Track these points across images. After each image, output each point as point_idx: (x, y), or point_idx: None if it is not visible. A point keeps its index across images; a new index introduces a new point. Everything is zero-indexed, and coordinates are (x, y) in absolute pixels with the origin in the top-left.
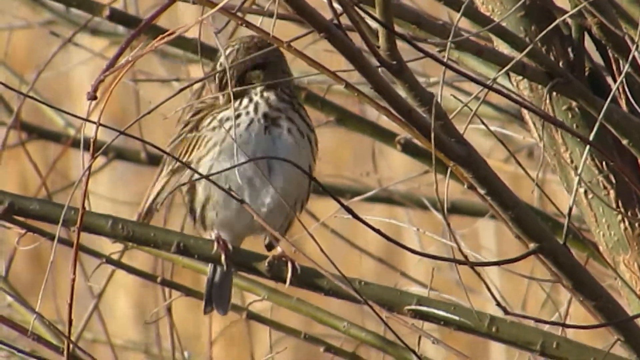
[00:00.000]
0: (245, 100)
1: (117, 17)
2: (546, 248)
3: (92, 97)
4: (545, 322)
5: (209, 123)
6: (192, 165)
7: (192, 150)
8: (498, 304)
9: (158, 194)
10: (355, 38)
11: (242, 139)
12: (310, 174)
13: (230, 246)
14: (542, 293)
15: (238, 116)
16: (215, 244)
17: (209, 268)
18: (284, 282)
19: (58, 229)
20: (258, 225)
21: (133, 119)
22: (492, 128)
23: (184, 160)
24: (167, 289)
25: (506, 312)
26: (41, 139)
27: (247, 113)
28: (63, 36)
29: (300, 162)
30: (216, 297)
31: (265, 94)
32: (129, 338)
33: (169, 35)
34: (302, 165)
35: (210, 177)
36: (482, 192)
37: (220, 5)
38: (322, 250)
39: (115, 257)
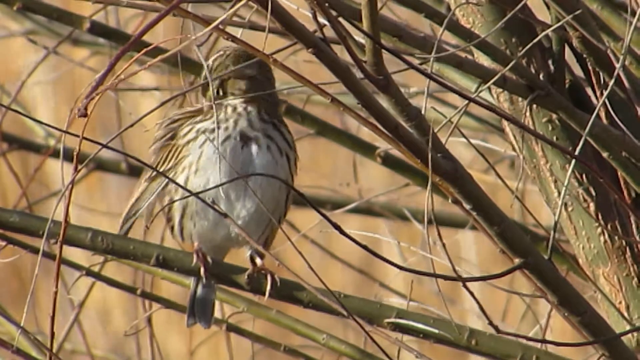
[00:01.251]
0: (229, 110)
1: (98, 29)
2: (531, 263)
3: (83, 114)
4: (533, 340)
5: (187, 133)
6: (172, 175)
7: (170, 159)
8: (490, 323)
9: (136, 200)
10: (339, 50)
11: (218, 154)
12: (289, 190)
13: (209, 259)
14: (522, 304)
15: (216, 129)
16: (195, 257)
17: (191, 281)
18: (264, 294)
19: (42, 242)
20: (237, 237)
21: (113, 127)
22: (473, 141)
23: (166, 169)
24: (144, 302)
25: (498, 331)
26: (22, 150)
27: (226, 128)
28: (43, 45)
29: (277, 182)
30: (199, 310)
31: (248, 107)
32: (122, 349)
33: (151, 47)
34: (279, 183)
35: (189, 188)
36: (467, 207)
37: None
38: (307, 262)
39: (97, 268)
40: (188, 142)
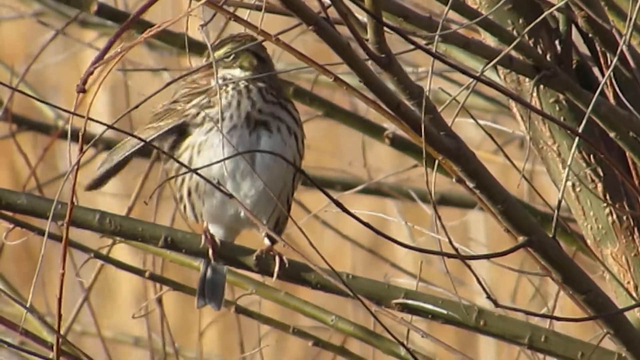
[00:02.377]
0: (230, 88)
1: (105, 12)
2: (535, 242)
3: (81, 89)
4: (534, 315)
5: (194, 114)
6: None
7: (170, 122)
8: (488, 297)
9: (115, 149)
10: (344, 31)
11: (226, 136)
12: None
13: (218, 240)
14: (532, 286)
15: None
16: (203, 238)
17: (200, 263)
18: (272, 276)
19: (48, 224)
20: (245, 217)
21: (123, 109)
22: (482, 121)
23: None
24: (154, 284)
25: (496, 304)
26: (31, 131)
27: (231, 116)
28: (52, 27)
29: (287, 156)
30: (209, 292)
31: (251, 86)
32: (130, 330)
33: (155, 28)
34: (287, 164)
35: (195, 169)
36: (471, 185)
37: None
38: (312, 244)
39: (106, 251)
40: (195, 124)
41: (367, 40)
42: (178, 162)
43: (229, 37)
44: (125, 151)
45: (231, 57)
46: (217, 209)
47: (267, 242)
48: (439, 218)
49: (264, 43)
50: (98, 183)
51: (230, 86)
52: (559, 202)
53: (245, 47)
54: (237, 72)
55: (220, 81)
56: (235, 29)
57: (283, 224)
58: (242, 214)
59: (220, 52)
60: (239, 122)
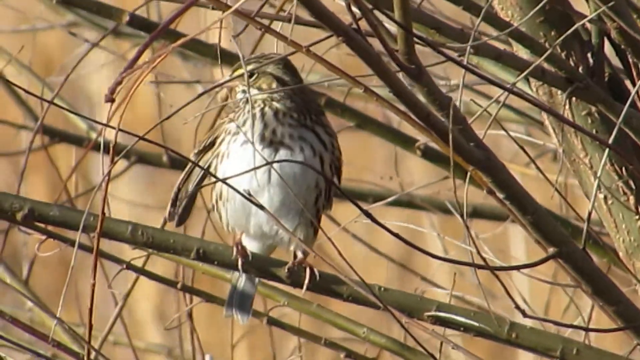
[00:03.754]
0: (248, 109)
1: (137, 22)
2: (565, 253)
3: (110, 99)
4: (563, 325)
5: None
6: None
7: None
8: (517, 307)
9: (184, 181)
10: (374, 43)
11: (243, 156)
12: (326, 187)
13: (249, 252)
14: (566, 298)
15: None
16: (235, 250)
17: (231, 275)
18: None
19: (78, 235)
20: (270, 231)
21: (155, 121)
22: (514, 133)
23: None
24: (186, 295)
25: (524, 314)
26: (64, 142)
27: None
28: (82, 37)
29: (306, 179)
30: (238, 303)
31: (266, 108)
32: (149, 342)
33: (187, 39)
34: (307, 183)
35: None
36: (501, 196)
37: (235, 6)
38: (342, 256)
39: (138, 262)
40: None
41: (397, 51)
42: (210, 173)
43: (255, 57)
44: (193, 181)
45: (253, 77)
46: (240, 218)
47: (299, 254)
48: (468, 229)
49: (295, 64)
50: (183, 219)
51: (248, 106)
52: (589, 213)
53: (269, 61)
54: (254, 93)
55: (240, 95)
56: (268, 40)
57: (312, 238)
58: (264, 225)
59: (241, 71)
60: (254, 138)
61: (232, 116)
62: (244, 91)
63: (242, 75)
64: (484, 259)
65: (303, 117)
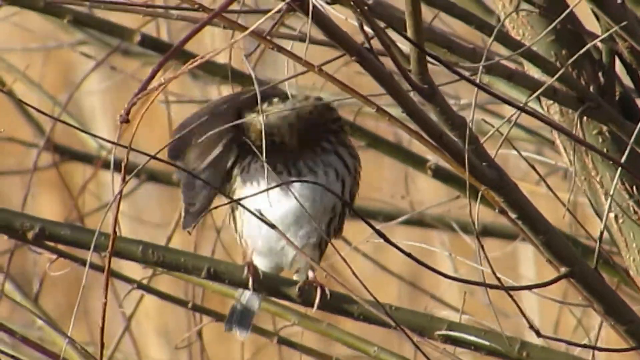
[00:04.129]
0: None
1: (148, 42)
2: (577, 272)
3: (125, 120)
4: (576, 345)
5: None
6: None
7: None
8: (531, 327)
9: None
10: (386, 62)
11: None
12: (339, 210)
13: (260, 272)
14: (574, 318)
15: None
16: (246, 269)
17: (239, 291)
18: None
19: (89, 255)
20: (279, 245)
21: (166, 139)
22: (525, 152)
23: None
24: (195, 314)
25: (539, 334)
26: (73, 161)
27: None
28: (93, 57)
29: (323, 202)
30: (237, 320)
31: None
32: None
33: (199, 59)
34: (324, 205)
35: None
36: (513, 216)
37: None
38: (355, 275)
39: (145, 281)
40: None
41: (409, 70)
42: (223, 194)
43: (282, 97)
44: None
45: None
46: (254, 235)
47: (310, 274)
48: (482, 248)
49: (305, 82)
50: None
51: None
52: (601, 233)
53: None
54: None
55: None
56: (271, 55)
57: (319, 259)
58: (273, 243)
59: (259, 104)
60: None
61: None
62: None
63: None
64: (498, 279)
65: (321, 144)
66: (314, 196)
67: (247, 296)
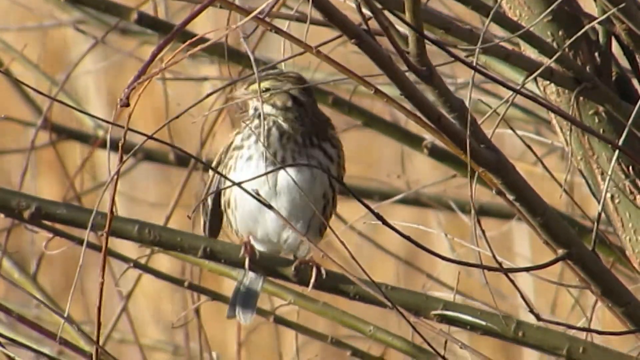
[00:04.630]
0: (254, 126)
1: (146, 20)
2: (575, 254)
3: (125, 104)
4: (576, 328)
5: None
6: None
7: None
8: (531, 311)
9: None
10: (384, 43)
11: (247, 171)
12: (330, 195)
13: (257, 251)
14: (571, 297)
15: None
16: (242, 249)
17: (238, 273)
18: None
19: (87, 234)
20: (278, 235)
21: (161, 117)
22: (521, 132)
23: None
24: (192, 293)
25: (539, 318)
26: (70, 140)
27: (249, 147)
28: (92, 35)
29: (313, 191)
30: (240, 304)
31: (273, 129)
32: (156, 340)
33: (198, 39)
34: (314, 194)
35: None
36: (510, 197)
37: (254, 13)
38: (351, 255)
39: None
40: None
41: (408, 52)
42: (226, 178)
43: (274, 73)
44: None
45: (268, 94)
46: (248, 225)
47: (305, 253)
48: (482, 231)
49: (301, 63)
50: (215, 228)
51: (256, 121)
52: (599, 214)
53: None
54: (267, 109)
55: (252, 111)
56: (272, 37)
57: (319, 239)
58: (271, 234)
59: (258, 86)
60: (256, 155)
61: (241, 129)
62: (256, 108)
63: (256, 90)
64: (497, 261)
65: (309, 140)
66: (305, 186)
67: (248, 280)
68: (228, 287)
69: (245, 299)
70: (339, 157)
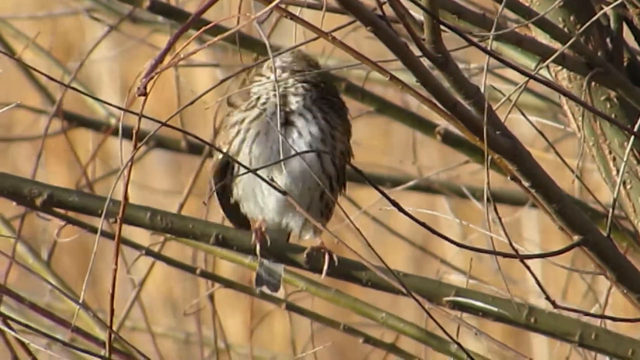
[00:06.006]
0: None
1: (158, 7)
2: (590, 240)
3: (142, 93)
4: (591, 315)
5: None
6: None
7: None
8: (547, 298)
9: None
10: (398, 29)
11: (260, 133)
12: (338, 168)
13: (268, 237)
14: (582, 282)
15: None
16: (254, 235)
17: (249, 260)
18: (322, 273)
19: (101, 221)
20: (282, 219)
21: (173, 103)
22: (533, 118)
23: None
24: (203, 281)
25: (555, 305)
26: (82, 127)
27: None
28: (104, 22)
29: (314, 174)
30: (267, 276)
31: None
32: (167, 327)
33: (211, 27)
34: (323, 163)
35: (254, 169)
36: (526, 184)
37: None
38: (366, 241)
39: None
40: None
41: (423, 39)
42: (240, 164)
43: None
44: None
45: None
46: (252, 210)
47: (318, 240)
48: (499, 217)
49: (314, 49)
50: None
51: (261, 100)
52: (614, 201)
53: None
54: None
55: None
56: (289, 26)
57: (325, 222)
58: (276, 218)
59: (273, 71)
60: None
61: (243, 107)
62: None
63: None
64: (513, 247)
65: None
66: (305, 172)
67: (267, 262)
68: (240, 275)
69: (269, 271)
70: (343, 125)
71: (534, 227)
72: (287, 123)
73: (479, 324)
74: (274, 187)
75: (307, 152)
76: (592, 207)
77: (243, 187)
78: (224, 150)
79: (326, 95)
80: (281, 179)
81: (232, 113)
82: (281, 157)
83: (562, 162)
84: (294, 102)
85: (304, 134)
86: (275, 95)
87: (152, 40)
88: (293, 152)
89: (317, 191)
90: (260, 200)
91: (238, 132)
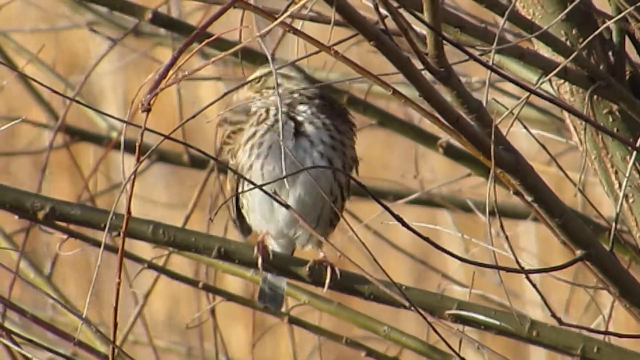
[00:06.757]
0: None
1: (160, 20)
2: (593, 255)
3: (146, 109)
4: (597, 332)
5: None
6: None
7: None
8: (553, 315)
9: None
10: (400, 42)
11: (273, 146)
12: (343, 183)
13: (270, 251)
14: (584, 294)
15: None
16: (256, 249)
17: (251, 273)
18: (324, 287)
19: (105, 234)
20: (290, 231)
21: (175, 116)
22: (535, 132)
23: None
24: (207, 294)
25: (561, 322)
26: (84, 141)
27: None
28: (105, 35)
29: (321, 186)
30: (269, 292)
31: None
32: (169, 341)
33: (214, 40)
34: (325, 180)
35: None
36: (529, 199)
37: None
38: (370, 253)
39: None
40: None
41: (426, 54)
42: (245, 178)
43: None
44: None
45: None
46: (256, 209)
47: (320, 254)
48: (504, 231)
49: (316, 63)
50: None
51: (263, 115)
52: (617, 215)
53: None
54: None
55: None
56: (290, 38)
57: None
58: (280, 222)
59: (276, 86)
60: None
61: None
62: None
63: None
64: (519, 264)
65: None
66: (312, 184)
67: (270, 276)
68: (242, 288)
69: (273, 287)
70: (349, 136)
71: (532, 239)
72: (297, 133)
73: (479, 338)
74: (278, 201)
75: (313, 167)
76: (595, 221)
77: (256, 199)
78: (236, 162)
79: (327, 101)
80: (294, 190)
81: (244, 127)
82: (294, 170)
83: (564, 175)
84: (302, 111)
85: (315, 143)
86: (282, 106)
87: (155, 53)
88: (306, 163)
89: (330, 199)
90: (274, 212)
91: (252, 147)
